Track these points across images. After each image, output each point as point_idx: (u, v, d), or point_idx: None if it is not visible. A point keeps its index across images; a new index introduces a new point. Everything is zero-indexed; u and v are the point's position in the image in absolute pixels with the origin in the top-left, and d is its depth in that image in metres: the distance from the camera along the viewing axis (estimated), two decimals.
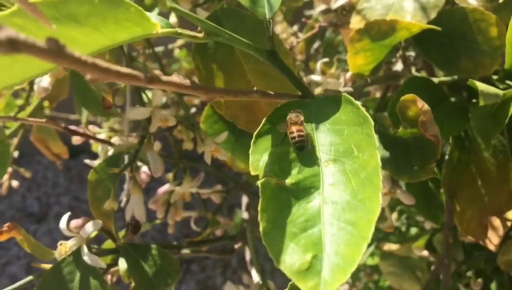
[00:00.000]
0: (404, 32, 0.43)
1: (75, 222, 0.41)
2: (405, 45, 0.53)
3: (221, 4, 0.42)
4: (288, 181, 0.30)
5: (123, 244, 0.44)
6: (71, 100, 0.70)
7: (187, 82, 0.23)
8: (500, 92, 0.46)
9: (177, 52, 0.97)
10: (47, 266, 0.43)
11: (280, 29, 0.81)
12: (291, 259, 0.27)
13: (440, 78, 0.53)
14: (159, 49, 0.87)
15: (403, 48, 0.52)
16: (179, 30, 0.30)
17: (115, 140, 0.57)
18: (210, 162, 0.50)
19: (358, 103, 0.31)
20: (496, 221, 0.51)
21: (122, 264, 0.43)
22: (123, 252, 0.44)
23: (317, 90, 0.57)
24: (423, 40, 0.50)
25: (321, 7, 0.67)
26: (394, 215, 0.85)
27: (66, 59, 0.18)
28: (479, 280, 0.63)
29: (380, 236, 0.99)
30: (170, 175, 0.58)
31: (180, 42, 0.91)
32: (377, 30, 0.42)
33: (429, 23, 0.47)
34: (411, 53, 0.62)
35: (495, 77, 0.52)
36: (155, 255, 0.44)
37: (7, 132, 0.64)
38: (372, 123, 0.29)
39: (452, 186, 0.53)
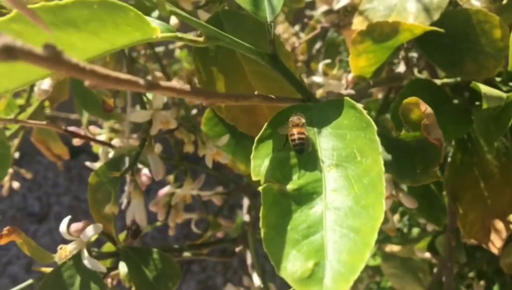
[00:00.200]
0: (407, 34, 0.42)
1: (75, 226, 0.41)
2: (407, 46, 0.52)
3: (222, 6, 0.42)
4: (290, 186, 0.30)
5: (124, 247, 0.44)
6: (71, 99, 0.70)
7: (187, 87, 0.23)
8: (504, 94, 0.46)
9: (177, 53, 0.96)
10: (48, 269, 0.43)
11: (282, 29, 0.81)
12: (293, 266, 0.27)
13: (442, 80, 0.53)
14: (159, 49, 0.87)
15: (405, 50, 0.52)
16: (179, 35, 0.30)
17: (115, 142, 0.56)
18: (211, 165, 0.49)
19: (361, 107, 0.31)
20: (499, 224, 0.51)
21: (123, 268, 0.43)
22: (123, 255, 0.44)
23: (319, 92, 0.57)
24: (426, 41, 0.49)
25: (323, 7, 0.67)
26: (396, 217, 0.85)
27: (63, 66, 0.18)
28: (482, 282, 0.62)
29: (381, 237, 0.99)
30: (171, 177, 0.58)
31: (180, 42, 0.90)
32: (380, 32, 0.42)
33: (432, 24, 0.46)
34: (414, 54, 0.61)
35: (498, 79, 0.52)
36: (156, 258, 0.43)
37: (8, 133, 0.64)
38: (375, 127, 0.29)
39: (454, 188, 0.53)
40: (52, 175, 1.83)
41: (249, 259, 0.61)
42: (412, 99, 0.39)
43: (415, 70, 0.61)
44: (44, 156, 0.80)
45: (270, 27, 0.33)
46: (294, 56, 0.70)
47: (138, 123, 0.50)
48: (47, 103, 0.72)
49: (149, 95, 0.51)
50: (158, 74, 0.55)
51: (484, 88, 0.45)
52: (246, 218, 0.65)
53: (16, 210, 1.75)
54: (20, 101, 0.66)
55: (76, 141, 0.56)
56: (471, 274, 0.85)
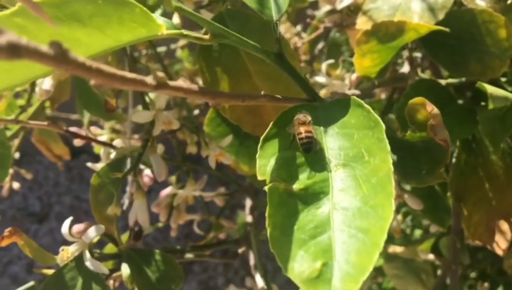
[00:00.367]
0: (412, 33, 0.42)
1: (77, 227, 0.41)
2: (412, 46, 0.52)
3: (226, 5, 0.41)
4: (296, 186, 0.29)
5: (126, 249, 0.44)
6: (72, 99, 0.69)
7: (194, 87, 0.23)
8: (509, 95, 0.45)
9: (179, 53, 0.96)
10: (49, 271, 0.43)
11: (284, 29, 0.80)
12: (300, 266, 0.26)
13: (447, 80, 0.53)
14: (161, 49, 0.86)
15: (410, 50, 0.52)
16: (185, 32, 0.30)
17: (117, 142, 0.56)
18: (214, 167, 0.49)
19: (368, 106, 0.30)
20: (504, 225, 0.51)
21: (125, 270, 0.42)
22: (126, 257, 0.43)
23: (322, 92, 0.56)
24: (430, 41, 0.49)
25: (326, 7, 0.66)
26: (399, 217, 0.84)
27: (70, 64, 0.18)
28: (486, 284, 0.62)
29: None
30: (173, 178, 0.58)
31: (182, 42, 0.90)
32: (385, 32, 0.42)
33: (436, 24, 0.46)
34: (418, 54, 0.61)
35: (503, 79, 0.51)
36: (158, 260, 0.43)
37: (8, 133, 0.64)
38: (384, 126, 0.29)
39: (459, 189, 0.52)
40: (53, 175, 1.82)
41: (251, 260, 0.60)
42: (418, 99, 0.39)
43: (419, 70, 0.61)
44: (44, 156, 0.79)
45: (276, 25, 0.33)
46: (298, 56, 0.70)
47: (140, 123, 0.50)
48: (48, 104, 0.72)
49: (152, 95, 0.50)
50: (160, 74, 0.55)
51: (490, 89, 0.45)
52: (249, 219, 0.65)
53: (17, 210, 1.75)
54: (21, 102, 0.66)
55: (77, 142, 0.55)
56: (473, 275, 0.85)
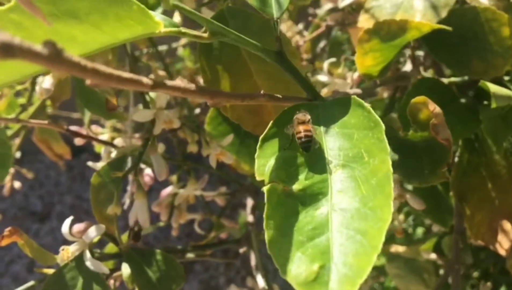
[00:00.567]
0: (415, 32, 0.41)
1: (77, 227, 0.41)
2: (414, 45, 0.52)
3: (227, 3, 0.41)
4: (295, 187, 0.29)
5: (127, 248, 0.44)
6: (73, 98, 0.69)
7: (192, 86, 0.22)
8: None
9: (180, 51, 0.96)
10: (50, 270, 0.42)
11: (285, 27, 0.80)
12: (298, 269, 0.26)
13: (449, 78, 0.52)
14: (162, 48, 0.86)
15: (412, 48, 0.51)
16: (183, 30, 0.29)
17: (118, 141, 0.56)
18: (215, 166, 0.49)
19: (369, 106, 0.30)
20: (507, 225, 0.50)
21: (126, 269, 0.42)
22: (126, 257, 0.43)
23: (324, 91, 0.56)
24: (433, 40, 0.49)
25: (328, 5, 0.66)
26: (401, 217, 0.84)
27: (64, 64, 0.17)
28: (488, 283, 0.62)
29: (386, 237, 0.98)
30: (173, 178, 0.57)
31: (183, 41, 0.90)
32: (387, 30, 0.41)
33: (439, 22, 0.46)
34: (420, 53, 0.60)
35: (506, 78, 0.51)
36: (159, 260, 0.43)
37: (9, 132, 0.64)
38: (383, 127, 0.28)
39: (461, 189, 0.52)
40: (54, 174, 1.83)
41: (253, 260, 0.60)
42: (420, 98, 0.38)
43: (421, 69, 0.61)
44: (46, 155, 0.79)
45: (276, 23, 0.33)
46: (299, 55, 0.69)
47: (140, 122, 0.50)
48: (48, 102, 0.71)
49: (152, 94, 0.50)
50: (162, 73, 0.55)
51: (493, 87, 0.45)
52: (250, 218, 0.64)
53: (18, 209, 1.75)
54: (22, 100, 0.66)
55: (78, 141, 0.55)
56: (475, 274, 0.84)
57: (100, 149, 0.69)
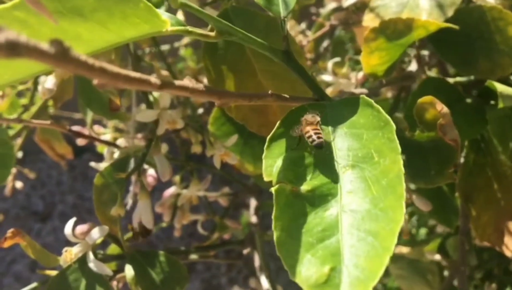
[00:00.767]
0: (421, 31, 0.41)
1: (80, 228, 0.40)
2: (419, 44, 0.51)
3: (231, 3, 0.41)
4: (304, 187, 0.29)
5: (130, 250, 0.43)
6: (75, 98, 0.69)
7: (200, 86, 0.22)
8: None
9: (182, 51, 0.95)
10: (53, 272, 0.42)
11: (288, 26, 0.79)
12: (308, 271, 0.25)
13: (455, 78, 0.52)
14: (164, 47, 0.86)
15: (417, 48, 0.51)
16: (190, 29, 0.29)
17: (121, 142, 0.55)
18: (219, 167, 0.48)
19: (378, 106, 0.30)
20: None
21: (129, 271, 0.42)
22: (130, 258, 0.43)
23: (328, 91, 0.56)
24: (438, 39, 0.48)
25: (331, 4, 0.65)
26: (405, 217, 0.84)
27: (71, 63, 0.17)
28: (493, 285, 0.61)
29: None
30: (177, 178, 0.57)
31: (185, 40, 0.89)
32: (393, 29, 0.41)
33: (445, 21, 0.45)
34: (425, 52, 0.60)
35: None
36: (162, 261, 0.42)
37: (11, 132, 0.63)
38: (394, 127, 0.28)
39: (467, 189, 0.51)
40: (56, 174, 1.82)
41: (256, 261, 0.60)
42: (427, 98, 0.38)
43: (426, 68, 0.60)
44: (48, 154, 0.79)
45: (283, 22, 0.32)
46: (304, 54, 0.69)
47: (143, 122, 0.49)
48: (50, 102, 0.71)
49: (155, 94, 0.50)
50: (164, 73, 0.54)
51: (500, 87, 0.44)
52: (253, 219, 0.64)
53: (20, 209, 1.75)
54: (24, 100, 0.65)
55: (80, 141, 0.55)
56: (478, 275, 0.84)
57: (102, 149, 0.69)
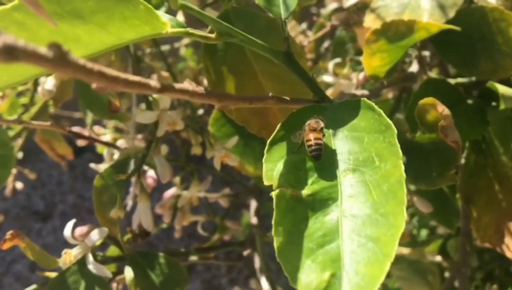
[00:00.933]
0: (423, 32, 0.41)
1: (80, 230, 0.40)
2: (421, 45, 0.51)
3: (231, 4, 0.40)
4: (304, 192, 0.28)
5: (130, 252, 0.43)
6: (75, 97, 0.68)
7: (200, 89, 0.22)
8: None
9: (183, 51, 0.95)
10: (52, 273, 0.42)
11: (289, 27, 0.79)
12: (308, 277, 0.25)
13: (457, 79, 0.52)
14: (165, 48, 0.85)
15: (419, 48, 0.50)
16: (190, 30, 0.29)
17: (121, 143, 0.55)
18: (219, 168, 0.48)
19: (379, 109, 0.29)
20: None
21: (129, 273, 0.41)
22: (130, 260, 0.43)
23: (328, 92, 0.55)
24: (440, 40, 0.48)
25: (332, 5, 0.65)
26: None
27: (70, 67, 0.17)
28: (494, 286, 0.61)
29: None
30: (177, 179, 0.57)
31: (186, 40, 0.89)
32: (395, 31, 0.41)
33: (447, 22, 0.45)
34: (426, 53, 0.60)
35: None
36: (162, 263, 0.42)
37: (11, 133, 0.63)
38: (395, 130, 0.28)
39: (468, 191, 0.51)
40: (56, 174, 1.82)
41: (257, 263, 0.60)
42: (428, 100, 0.38)
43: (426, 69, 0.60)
44: (48, 154, 0.79)
45: (284, 24, 0.32)
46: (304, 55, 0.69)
47: (143, 123, 0.49)
48: (50, 102, 0.71)
49: (155, 95, 0.50)
50: (165, 73, 0.54)
51: (502, 88, 0.44)
52: (254, 220, 0.64)
53: (20, 209, 1.75)
54: (24, 100, 0.65)
55: (81, 142, 0.55)
56: (479, 276, 0.84)
57: (102, 149, 0.69)
